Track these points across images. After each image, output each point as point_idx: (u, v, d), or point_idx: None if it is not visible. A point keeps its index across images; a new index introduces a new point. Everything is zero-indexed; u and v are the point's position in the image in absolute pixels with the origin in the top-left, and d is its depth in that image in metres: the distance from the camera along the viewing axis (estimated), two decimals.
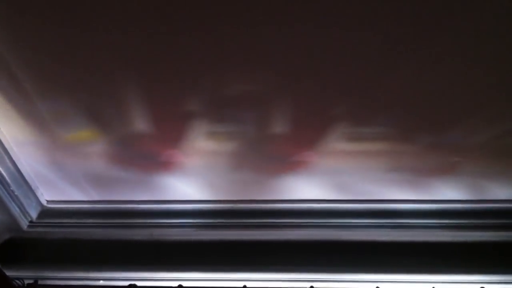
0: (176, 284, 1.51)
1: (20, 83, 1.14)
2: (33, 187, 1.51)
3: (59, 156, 1.39)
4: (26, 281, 1.55)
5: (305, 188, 1.47)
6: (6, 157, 1.38)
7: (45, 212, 1.59)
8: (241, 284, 1.50)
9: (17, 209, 1.50)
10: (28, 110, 1.23)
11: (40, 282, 1.55)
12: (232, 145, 1.32)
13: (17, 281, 1.54)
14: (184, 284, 1.51)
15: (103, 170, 1.43)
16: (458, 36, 0.98)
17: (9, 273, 1.49)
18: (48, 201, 1.59)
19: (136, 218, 1.56)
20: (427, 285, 1.47)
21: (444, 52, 1.02)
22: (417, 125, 1.22)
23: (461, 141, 1.27)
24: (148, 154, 1.36)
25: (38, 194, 1.55)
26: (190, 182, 1.47)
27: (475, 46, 1.00)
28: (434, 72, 1.07)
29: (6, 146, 1.35)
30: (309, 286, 1.48)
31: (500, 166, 1.36)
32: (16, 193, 1.46)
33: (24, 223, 1.56)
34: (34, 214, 1.58)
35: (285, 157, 1.35)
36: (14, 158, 1.40)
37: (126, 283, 1.52)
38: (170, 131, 1.29)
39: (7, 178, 1.41)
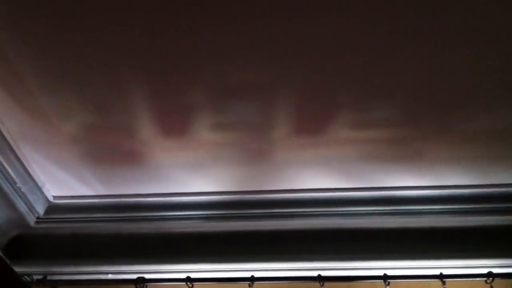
0: (184, 276, 1.52)
1: (23, 79, 1.15)
2: (39, 183, 1.52)
3: (64, 151, 1.39)
4: (35, 277, 1.56)
5: (311, 177, 1.47)
6: (11, 154, 1.38)
7: (52, 208, 1.60)
8: (249, 274, 1.51)
9: (24, 205, 1.51)
10: (32, 106, 1.23)
11: (49, 277, 1.56)
12: (236, 135, 1.32)
13: (26, 277, 1.55)
14: (192, 275, 1.52)
15: (109, 164, 1.44)
16: (461, 23, 0.98)
17: (18, 269, 1.50)
18: (54, 197, 1.60)
19: (143, 212, 1.56)
20: (435, 270, 1.47)
21: (446, 38, 1.02)
22: (420, 111, 1.22)
23: (465, 126, 1.26)
24: (153, 147, 1.36)
25: (45, 190, 1.55)
26: (195, 174, 1.47)
27: (478, 32, 1.00)
28: (436, 59, 1.07)
29: (11, 142, 1.36)
30: (316, 274, 1.49)
31: (505, 150, 1.35)
32: (22, 190, 1.47)
33: (31, 219, 1.57)
34: (41, 210, 1.59)
35: (288, 146, 1.35)
36: (19, 155, 1.40)
37: (135, 276, 1.53)
38: (175, 123, 1.29)
39: (12, 174, 1.42)
